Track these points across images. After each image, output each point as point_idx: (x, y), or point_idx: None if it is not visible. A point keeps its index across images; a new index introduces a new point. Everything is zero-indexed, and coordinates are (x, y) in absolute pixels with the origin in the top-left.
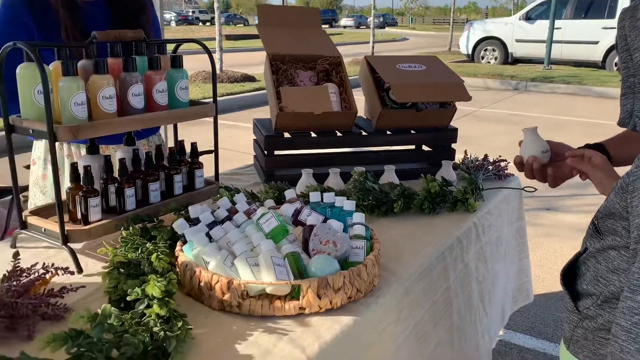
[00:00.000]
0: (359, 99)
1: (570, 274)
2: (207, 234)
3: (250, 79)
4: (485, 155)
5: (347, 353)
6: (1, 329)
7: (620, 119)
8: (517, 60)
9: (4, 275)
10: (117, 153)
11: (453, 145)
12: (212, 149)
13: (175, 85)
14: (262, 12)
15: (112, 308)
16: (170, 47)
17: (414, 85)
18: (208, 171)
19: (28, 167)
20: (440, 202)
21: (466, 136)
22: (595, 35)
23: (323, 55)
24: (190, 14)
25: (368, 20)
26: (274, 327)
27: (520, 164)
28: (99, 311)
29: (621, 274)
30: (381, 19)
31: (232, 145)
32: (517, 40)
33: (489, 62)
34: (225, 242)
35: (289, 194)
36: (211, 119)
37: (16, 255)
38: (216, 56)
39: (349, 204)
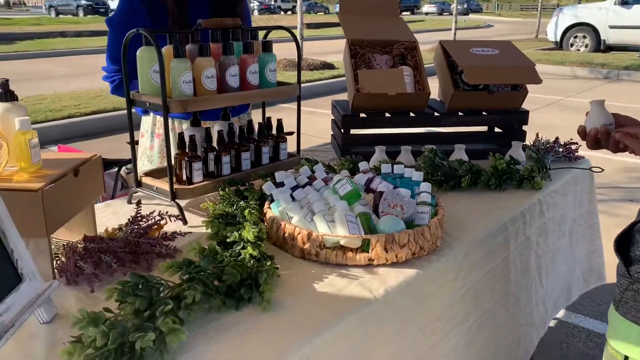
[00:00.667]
0: (434, 86)
1: (625, 241)
2: (291, 195)
3: (329, 66)
4: (557, 138)
5: (408, 299)
6: (127, 262)
7: None
8: (609, 48)
9: (128, 220)
10: (215, 126)
11: (526, 129)
12: (292, 131)
13: (265, 67)
14: (343, 0)
15: (217, 246)
16: (260, 34)
17: (485, 68)
18: (290, 148)
19: (129, 143)
20: (507, 179)
21: (548, 125)
22: None
23: (399, 40)
24: (272, 3)
25: (451, 6)
26: (346, 273)
27: (582, 132)
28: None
29: None
30: (465, 6)
31: (310, 130)
32: (611, 27)
33: (578, 50)
34: (306, 202)
35: (363, 165)
36: (291, 106)
37: (139, 204)
38: None
39: (417, 175)
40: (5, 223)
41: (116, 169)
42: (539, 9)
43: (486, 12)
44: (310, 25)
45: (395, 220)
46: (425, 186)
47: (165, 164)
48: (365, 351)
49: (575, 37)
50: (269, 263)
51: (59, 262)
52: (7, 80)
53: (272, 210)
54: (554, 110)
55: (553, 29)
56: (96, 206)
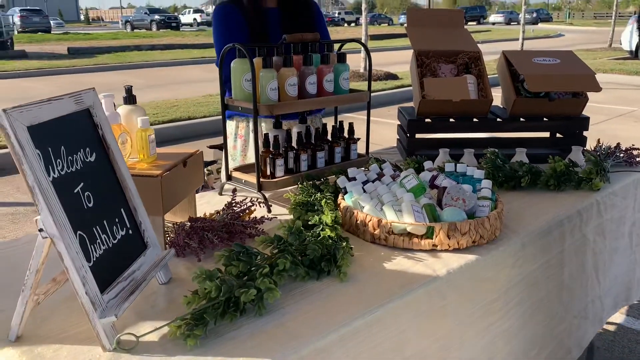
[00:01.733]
0: (497, 95)
1: None
2: (362, 188)
3: (392, 76)
4: (618, 144)
5: (468, 280)
6: (224, 239)
7: None
8: None
9: (225, 205)
10: (294, 128)
11: (588, 135)
12: (359, 137)
13: (339, 76)
14: (411, 14)
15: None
16: (335, 45)
17: (546, 76)
18: (359, 150)
19: (212, 147)
20: (565, 180)
21: (620, 136)
22: None
23: (464, 50)
24: (336, 15)
25: (519, 16)
26: (412, 256)
27: None
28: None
29: None
30: (534, 15)
31: (374, 137)
32: None
33: None
34: (376, 194)
35: (427, 164)
36: (358, 116)
37: (234, 191)
38: (362, 55)
39: (478, 173)
40: (135, 200)
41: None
42: (613, 17)
43: (557, 21)
44: (374, 37)
45: (457, 211)
46: (486, 183)
47: (246, 162)
48: (429, 322)
49: None
50: (344, 243)
51: (168, 238)
52: (131, 87)
53: (345, 201)
54: (628, 121)
55: (628, 38)
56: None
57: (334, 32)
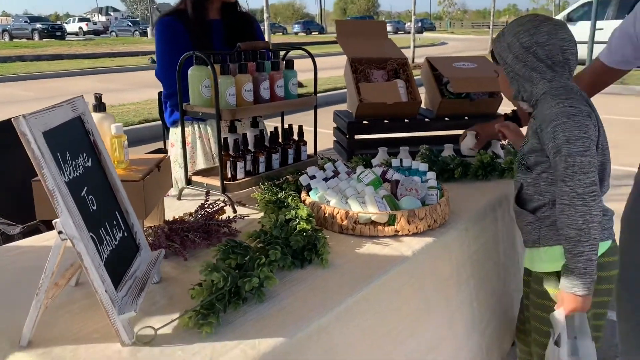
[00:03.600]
0: (422, 94)
1: (519, 201)
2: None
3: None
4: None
5: (427, 260)
6: (201, 241)
7: (513, 96)
8: None
9: (198, 206)
10: (249, 132)
11: None
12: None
13: (289, 81)
14: (340, 25)
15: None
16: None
17: (467, 79)
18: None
19: (152, 152)
20: (491, 170)
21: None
22: None
23: (392, 57)
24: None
25: (406, 25)
26: (378, 242)
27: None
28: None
29: (555, 184)
30: (419, 24)
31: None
32: None
33: None
34: (338, 189)
35: (375, 161)
36: (291, 118)
37: (207, 194)
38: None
39: (423, 166)
40: (126, 203)
41: None
42: (491, 26)
43: (439, 30)
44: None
45: (413, 199)
46: (431, 174)
47: (195, 169)
48: (400, 298)
49: None
50: (321, 234)
51: (149, 240)
52: (100, 95)
53: (311, 197)
54: None
55: None
56: None
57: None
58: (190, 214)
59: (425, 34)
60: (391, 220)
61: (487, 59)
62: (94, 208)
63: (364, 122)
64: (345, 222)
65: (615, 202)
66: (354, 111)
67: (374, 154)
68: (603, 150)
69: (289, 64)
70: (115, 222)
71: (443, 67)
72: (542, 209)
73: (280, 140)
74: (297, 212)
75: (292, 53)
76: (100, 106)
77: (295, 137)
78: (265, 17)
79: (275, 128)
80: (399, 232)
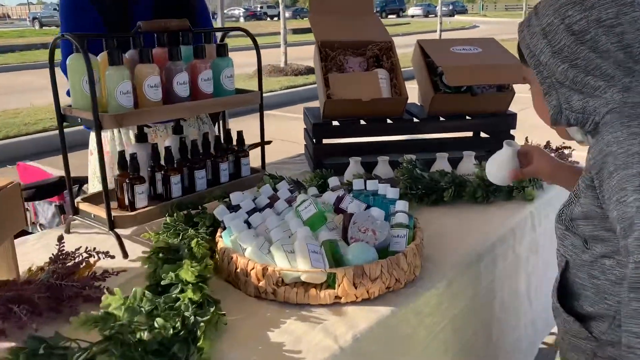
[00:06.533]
0: (413, 88)
1: (562, 292)
2: (247, 221)
3: (313, 71)
4: (548, 142)
5: (380, 343)
6: (47, 309)
7: (551, 118)
8: None
9: (50, 258)
10: (165, 141)
11: (514, 133)
12: (270, 140)
13: (220, 73)
14: (314, 0)
15: (146, 292)
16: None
17: (467, 68)
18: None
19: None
20: (495, 190)
21: (538, 124)
22: None
23: (373, 40)
24: (259, 9)
25: (436, 8)
26: (308, 315)
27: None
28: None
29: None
30: (450, 7)
31: (293, 138)
32: None
33: None
34: (264, 228)
35: (332, 181)
36: (275, 112)
37: (60, 239)
38: (281, 50)
39: (392, 192)
40: None
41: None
42: (524, 9)
43: (471, 13)
44: (297, 31)
45: (365, 247)
46: (402, 205)
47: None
48: None
49: None
50: (212, 309)
51: None
52: None
53: (223, 240)
54: None
55: None
56: (28, 237)
57: (257, 27)
58: (42, 268)
59: (457, 17)
60: (330, 281)
61: (497, 41)
62: None
63: (334, 123)
64: (262, 283)
65: None
66: (322, 109)
67: (347, 164)
68: None
69: (222, 50)
70: None
71: (437, 53)
72: (601, 324)
73: (212, 150)
74: (180, 273)
75: (305, 38)
76: None
77: (236, 145)
78: (280, 0)
79: (205, 134)
80: (341, 298)
